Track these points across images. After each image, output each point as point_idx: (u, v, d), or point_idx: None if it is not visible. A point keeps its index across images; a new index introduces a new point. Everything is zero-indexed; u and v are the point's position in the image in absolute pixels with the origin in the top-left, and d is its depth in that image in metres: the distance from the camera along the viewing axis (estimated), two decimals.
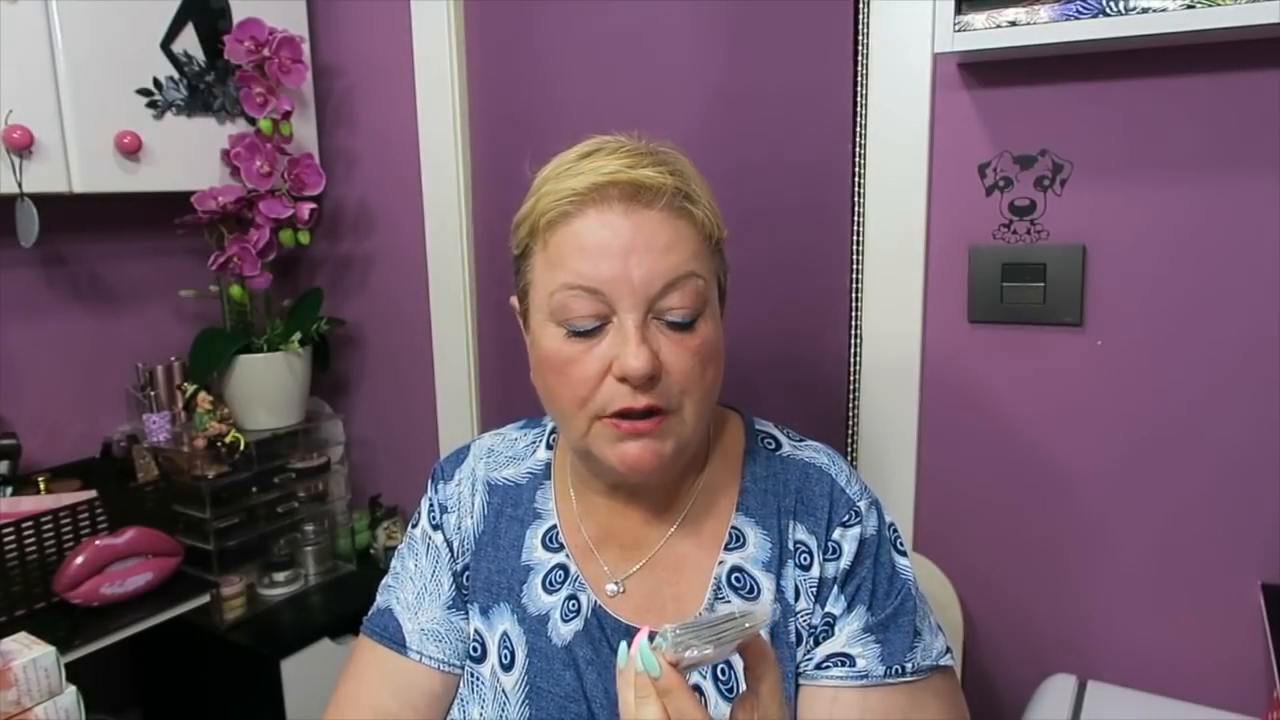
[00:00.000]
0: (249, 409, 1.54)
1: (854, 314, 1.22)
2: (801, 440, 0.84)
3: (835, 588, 0.74)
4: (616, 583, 0.78)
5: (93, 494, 1.35)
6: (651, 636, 0.56)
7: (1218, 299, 1.02)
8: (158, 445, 1.48)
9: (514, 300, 0.78)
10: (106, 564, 1.28)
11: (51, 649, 0.98)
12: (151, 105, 1.40)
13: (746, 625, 0.56)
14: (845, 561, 0.74)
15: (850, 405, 1.25)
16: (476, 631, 0.80)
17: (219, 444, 1.47)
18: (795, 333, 1.29)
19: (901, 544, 0.78)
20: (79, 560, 1.26)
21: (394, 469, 1.77)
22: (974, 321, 1.15)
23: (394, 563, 0.87)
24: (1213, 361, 1.03)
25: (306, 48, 1.52)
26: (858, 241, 1.20)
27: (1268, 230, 0.98)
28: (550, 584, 0.79)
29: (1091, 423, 1.10)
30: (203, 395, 1.50)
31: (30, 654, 0.96)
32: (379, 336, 1.73)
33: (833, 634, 0.73)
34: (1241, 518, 1.03)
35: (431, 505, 0.86)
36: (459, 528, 0.84)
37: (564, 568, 0.79)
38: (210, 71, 1.47)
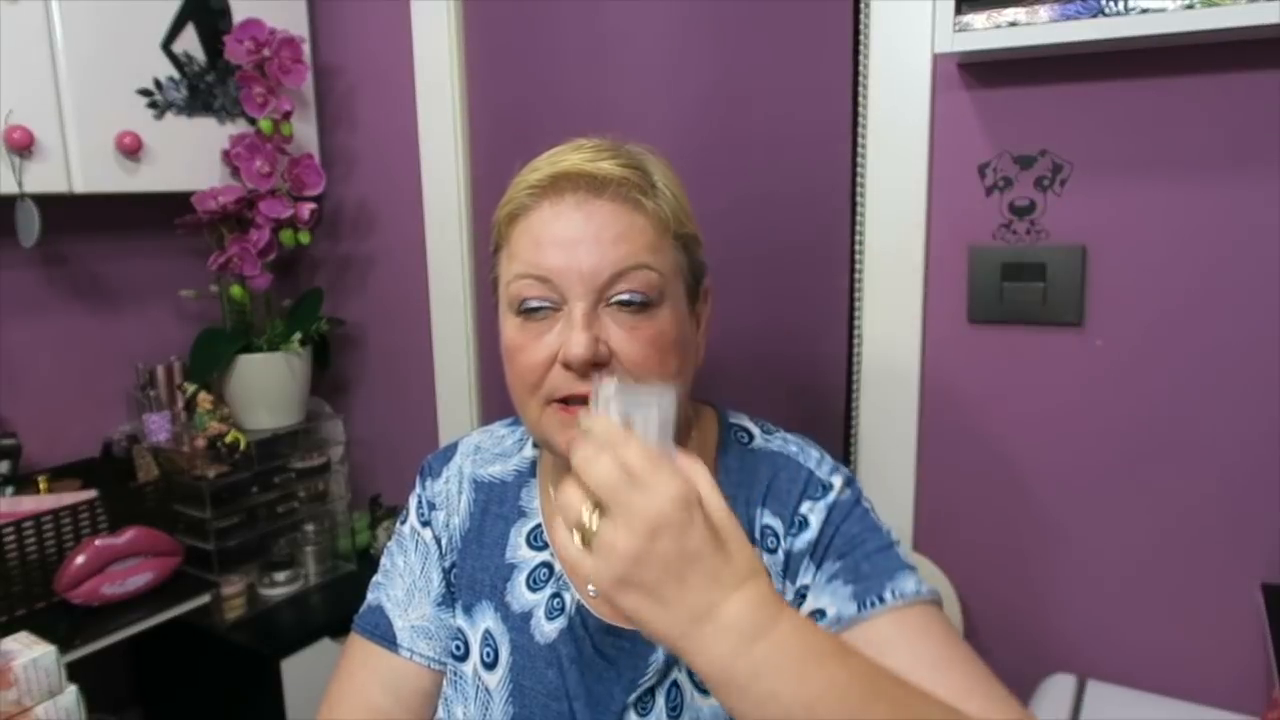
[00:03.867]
0: (249, 409, 1.54)
1: (854, 314, 1.22)
2: (774, 432, 0.83)
3: (805, 559, 0.72)
4: None
5: (93, 494, 1.35)
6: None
7: (1218, 299, 1.02)
8: (158, 445, 1.48)
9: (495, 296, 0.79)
10: (107, 564, 1.28)
11: (52, 649, 0.99)
12: (152, 105, 1.40)
13: (665, 394, 0.55)
14: (812, 532, 0.72)
15: (850, 405, 1.25)
16: (459, 629, 0.81)
17: (219, 444, 1.47)
18: (795, 333, 1.29)
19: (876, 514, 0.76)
20: (79, 560, 1.26)
21: (394, 469, 1.77)
22: (974, 321, 1.15)
23: (384, 559, 0.87)
24: (1213, 361, 1.03)
25: (306, 48, 1.52)
26: (857, 241, 1.20)
27: (1268, 230, 0.98)
28: (534, 582, 0.79)
29: (1091, 422, 1.10)
30: (203, 395, 1.50)
31: (31, 654, 0.97)
32: (379, 336, 1.73)
33: (804, 601, 0.72)
34: (1241, 518, 1.03)
35: (420, 502, 0.86)
36: (447, 525, 0.84)
37: (548, 566, 0.79)
38: (210, 71, 1.48)
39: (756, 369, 1.30)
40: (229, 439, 1.47)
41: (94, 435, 1.53)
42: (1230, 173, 0.99)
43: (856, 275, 1.21)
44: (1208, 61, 0.98)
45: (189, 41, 1.44)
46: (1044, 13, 0.94)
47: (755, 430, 0.83)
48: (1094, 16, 0.92)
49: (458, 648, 0.80)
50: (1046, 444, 1.13)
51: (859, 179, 1.19)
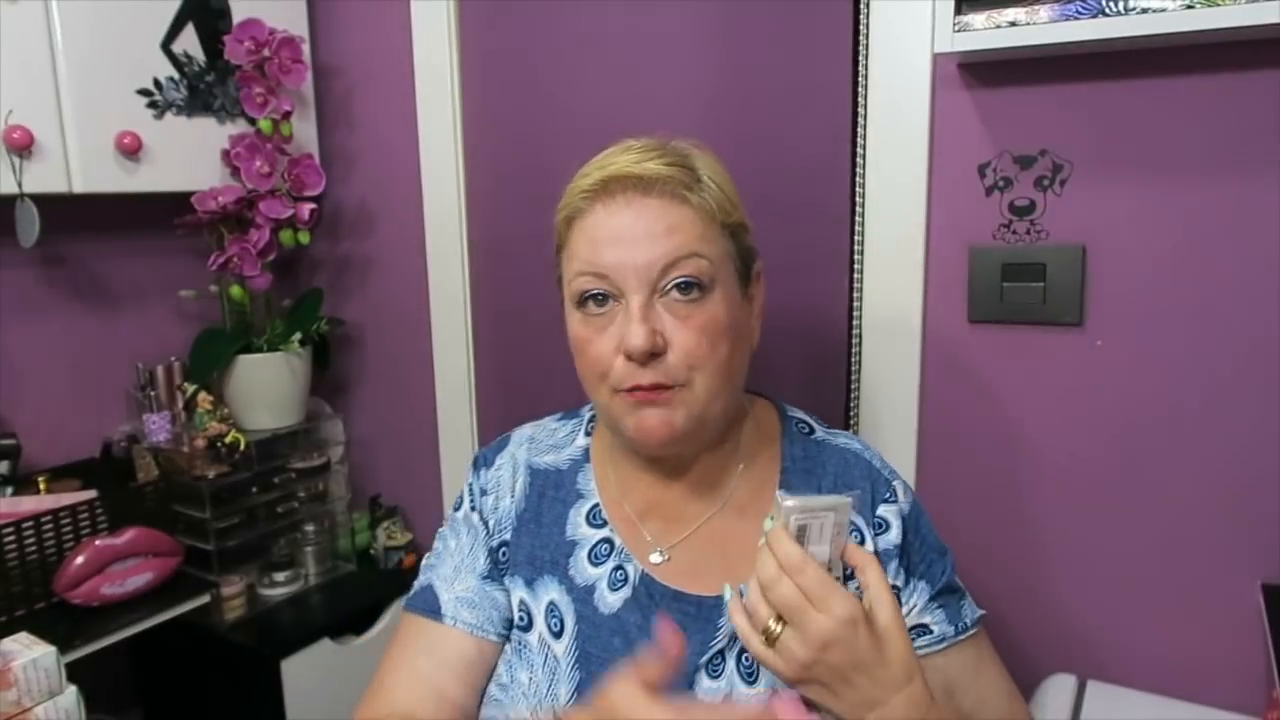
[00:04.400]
0: (249, 409, 1.54)
1: (854, 314, 1.22)
2: (829, 428, 0.91)
3: (893, 562, 0.81)
4: (661, 551, 0.83)
5: (93, 494, 1.35)
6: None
7: (1218, 299, 1.02)
8: (158, 445, 1.48)
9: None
10: (106, 564, 1.28)
11: (52, 649, 0.99)
12: (151, 105, 1.40)
13: (841, 511, 0.66)
14: (894, 536, 0.82)
15: (850, 405, 1.25)
16: (522, 602, 0.84)
17: (219, 444, 1.47)
18: (795, 332, 1.29)
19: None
20: (79, 560, 1.26)
21: (394, 469, 1.77)
22: (974, 321, 1.15)
23: (436, 543, 0.92)
24: (1213, 362, 1.03)
25: (306, 48, 1.52)
26: (858, 241, 1.20)
27: (1268, 230, 0.98)
28: (596, 557, 0.84)
29: (1091, 423, 1.10)
30: (203, 395, 1.50)
31: (31, 654, 0.97)
32: (379, 336, 1.73)
33: (900, 607, 0.79)
34: (1241, 518, 1.03)
35: (471, 490, 0.91)
36: (495, 508, 0.89)
37: (609, 541, 0.84)
38: (210, 71, 1.47)
39: (757, 366, 1.30)
40: (229, 439, 1.47)
41: (94, 435, 1.53)
42: (1230, 173, 0.99)
43: (856, 275, 1.21)
44: (1208, 61, 0.98)
45: (189, 41, 1.44)
46: (1044, 13, 0.94)
47: (813, 423, 0.91)
48: (1094, 16, 0.92)
49: (521, 618, 0.84)
50: (1046, 444, 1.13)
51: (859, 179, 1.19)
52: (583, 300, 0.77)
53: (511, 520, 0.87)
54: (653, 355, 0.73)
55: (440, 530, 0.92)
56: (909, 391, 1.19)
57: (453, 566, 0.88)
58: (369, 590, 1.60)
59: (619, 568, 0.82)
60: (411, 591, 0.89)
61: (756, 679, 0.77)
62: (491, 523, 0.88)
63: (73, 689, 1.01)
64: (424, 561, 0.91)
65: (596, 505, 0.86)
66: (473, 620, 0.84)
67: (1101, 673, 1.13)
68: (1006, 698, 0.83)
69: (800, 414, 0.92)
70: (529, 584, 0.84)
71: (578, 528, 0.85)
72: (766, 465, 0.86)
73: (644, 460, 0.85)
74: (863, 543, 0.82)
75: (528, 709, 0.79)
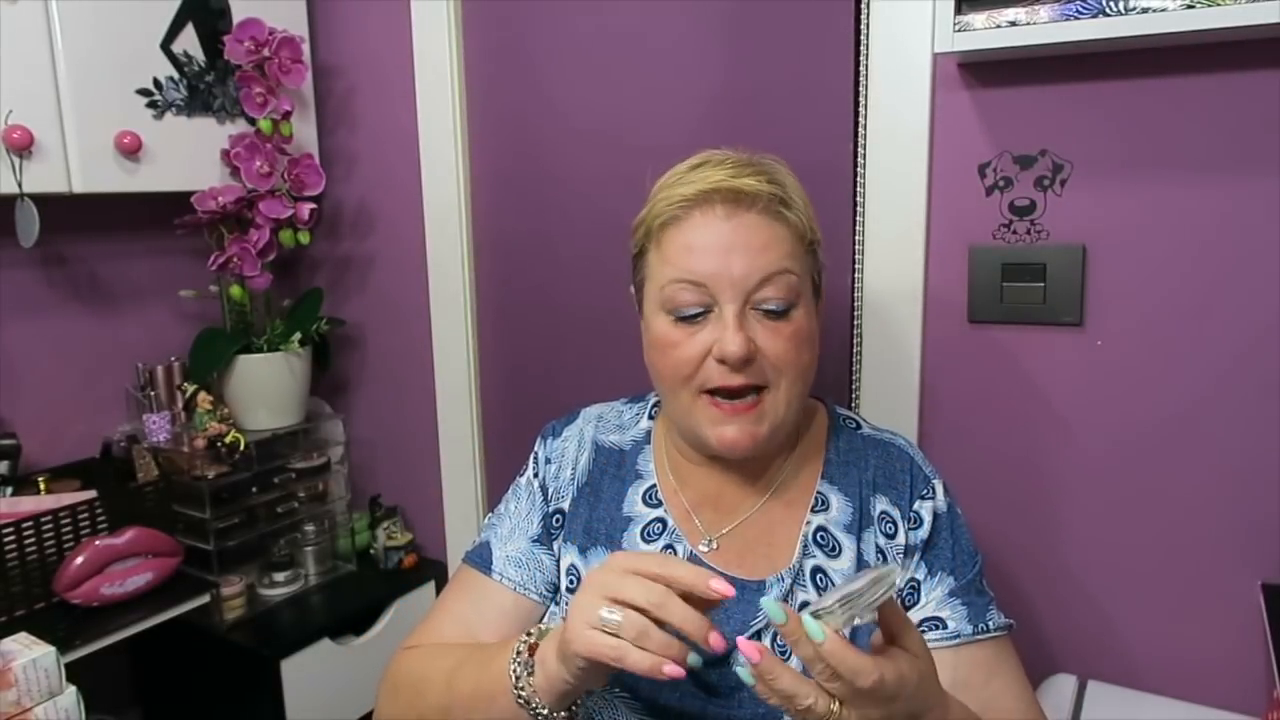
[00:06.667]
0: (249, 409, 1.54)
1: (854, 313, 1.22)
2: (877, 426, 0.95)
3: (917, 555, 0.84)
4: (709, 540, 0.86)
5: (93, 494, 1.35)
6: (816, 615, 0.61)
7: (1217, 299, 1.02)
8: (158, 445, 1.48)
9: (631, 289, 0.89)
10: (106, 564, 1.28)
11: (51, 649, 0.98)
12: (151, 105, 1.40)
13: (887, 584, 0.61)
14: (925, 531, 0.84)
15: (851, 405, 1.25)
16: (572, 566, 0.90)
17: (219, 444, 1.47)
18: None
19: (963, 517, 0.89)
20: (79, 560, 1.26)
21: (394, 469, 1.77)
22: (974, 321, 1.15)
23: (499, 505, 0.98)
24: (1213, 361, 1.03)
25: (306, 48, 1.53)
26: (858, 241, 1.20)
27: (1268, 230, 0.98)
28: (649, 534, 0.88)
29: (1091, 423, 1.10)
30: (203, 395, 1.50)
31: (30, 654, 0.96)
32: (379, 336, 1.73)
33: (919, 599, 0.83)
34: (1241, 518, 1.03)
35: (536, 457, 0.97)
36: (556, 476, 0.94)
37: (662, 521, 0.88)
38: (210, 71, 1.47)
39: None
40: (229, 439, 1.47)
41: (94, 435, 1.53)
42: (1230, 173, 0.99)
43: (856, 275, 1.21)
44: (1208, 61, 0.98)
45: (188, 41, 1.44)
46: (1044, 12, 0.94)
47: (861, 420, 0.95)
48: (1094, 16, 0.92)
49: (571, 582, 0.89)
50: (1046, 444, 1.13)
51: (859, 178, 1.19)
52: (678, 313, 0.80)
53: (571, 490, 0.92)
54: (745, 361, 0.77)
55: (506, 494, 0.98)
56: (909, 392, 1.19)
57: (509, 527, 0.94)
58: (369, 590, 1.60)
59: (669, 546, 0.87)
60: (472, 545, 0.96)
61: (790, 657, 0.79)
62: (550, 490, 0.94)
63: (72, 689, 1.00)
64: (486, 520, 0.98)
65: (653, 486, 0.90)
66: (517, 578, 0.90)
67: (1101, 673, 1.13)
68: (1021, 705, 0.82)
69: (848, 412, 0.96)
70: (582, 551, 0.89)
71: (634, 505, 0.90)
72: (812, 457, 0.90)
73: (701, 457, 0.88)
74: (894, 536, 0.84)
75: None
